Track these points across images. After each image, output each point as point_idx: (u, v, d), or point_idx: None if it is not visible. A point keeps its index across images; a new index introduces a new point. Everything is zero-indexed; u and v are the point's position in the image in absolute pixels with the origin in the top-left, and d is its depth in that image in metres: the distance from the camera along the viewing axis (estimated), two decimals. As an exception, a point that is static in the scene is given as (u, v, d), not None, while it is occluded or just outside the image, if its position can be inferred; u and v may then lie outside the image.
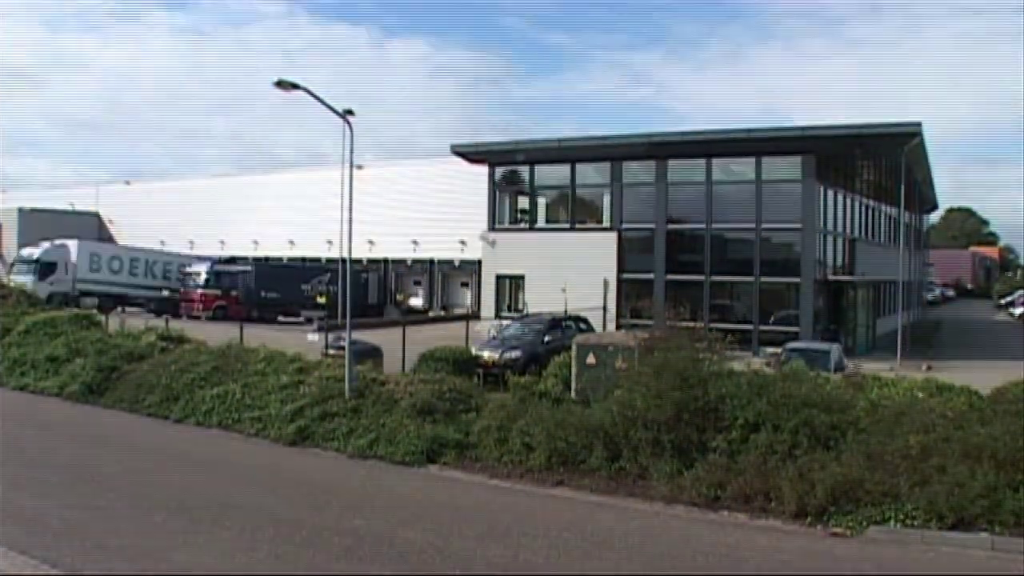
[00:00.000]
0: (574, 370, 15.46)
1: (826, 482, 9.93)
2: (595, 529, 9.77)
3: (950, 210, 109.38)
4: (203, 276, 40.94)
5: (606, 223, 31.80)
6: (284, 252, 53.44)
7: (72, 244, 41.46)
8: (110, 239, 61.18)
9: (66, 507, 10.08)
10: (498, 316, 30.79)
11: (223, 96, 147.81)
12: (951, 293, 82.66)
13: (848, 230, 33.28)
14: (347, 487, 11.58)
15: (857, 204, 34.47)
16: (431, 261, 48.60)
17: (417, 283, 50.48)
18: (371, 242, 46.66)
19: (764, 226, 28.94)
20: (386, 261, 49.67)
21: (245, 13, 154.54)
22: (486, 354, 20.69)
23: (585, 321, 24.42)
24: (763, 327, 28.28)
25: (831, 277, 30.54)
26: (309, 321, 34.14)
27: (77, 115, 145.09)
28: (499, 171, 34.15)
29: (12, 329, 21.51)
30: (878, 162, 35.37)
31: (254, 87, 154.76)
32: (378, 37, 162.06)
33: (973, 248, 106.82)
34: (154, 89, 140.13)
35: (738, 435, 11.15)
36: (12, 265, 41.89)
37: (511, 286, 32.87)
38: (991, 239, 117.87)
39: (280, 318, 40.58)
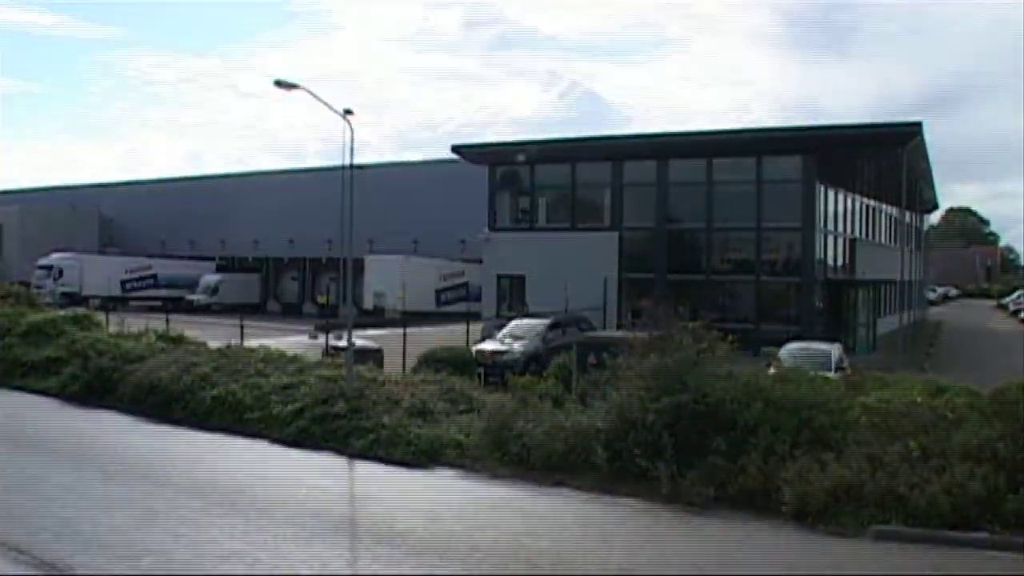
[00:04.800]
0: (574, 370, 15.46)
1: (826, 482, 9.92)
2: (596, 529, 9.78)
3: (950, 210, 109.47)
4: None
5: (607, 223, 31.80)
6: (284, 252, 53.45)
7: None
8: (111, 240, 61.36)
9: (67, 506, 10.07)
10: (499, 316, 30.79)
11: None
12: (953, 293, 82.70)
13: (848, 230, 33.29)
14: (348, 488, 11.59)
15: (857, 204, 34.48)
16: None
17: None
18: (371, 242, 46.59)
19: (764, 226, 28.95)
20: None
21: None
22: (487, 351, 20.71)
23: (586, 321, 24.43)
24: (764, 327, 28.27)
25: (831, 277, 30.55)
26: None
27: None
28: (499, 171, 34.15)
29: (12, 330, 21.49)
30: (878, 162, 35.38)
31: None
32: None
33: (974, 248, 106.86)
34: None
35: (738, 436, 11.14)
36: None
37: (512, 286, 32.87)
38: (991, 239, 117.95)
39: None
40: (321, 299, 51.45)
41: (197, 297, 50.44)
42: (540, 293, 29.97)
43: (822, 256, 29.74)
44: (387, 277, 41.45)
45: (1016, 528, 9.21)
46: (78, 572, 8.00)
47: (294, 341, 20.45)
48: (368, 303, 41.35)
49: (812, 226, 28.20)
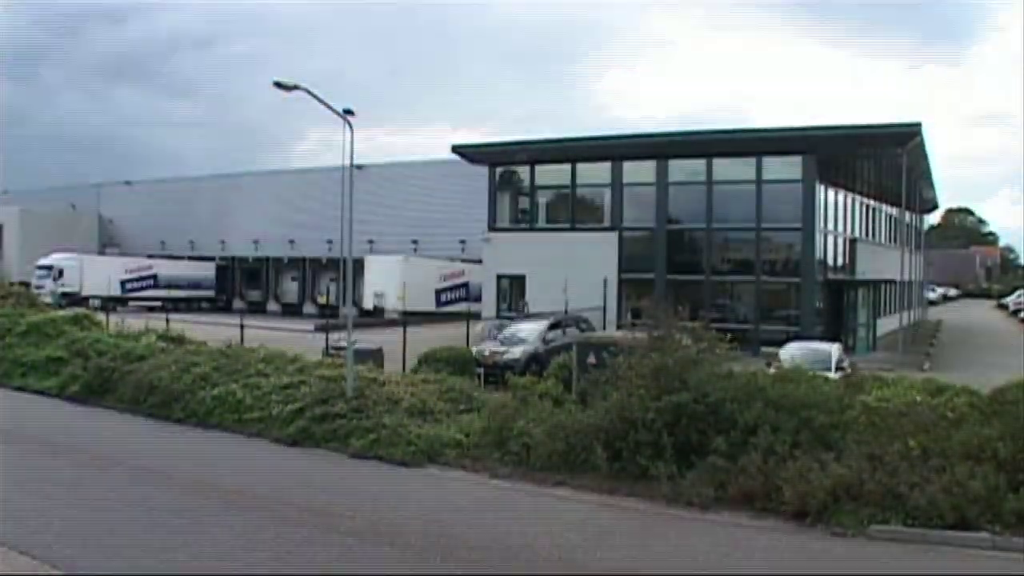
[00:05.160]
0: (574, 370, 15.46)
1: (826, 482, 9.92)
2: (596, 529, 9.78)
3: (950, 210, 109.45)
4: None
5: (606, 223, 31.81)
6: (284, 252, 53.46)
7: None
8: (111, 240, 61.36)
9: (68, 506, 10.08)
10: (499, 316, 30.80)
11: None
12: (952, 293, 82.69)
13: (848, 230, 33.29)
14: (348, 487, 11.59)
15: (857, 204, 34.47)
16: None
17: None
18: (371, 242, 46.63)
19: (764, 226, 28.96)
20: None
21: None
22: (487, 351, 20.71)
23: (586, 321, 24.43)
24: (763, 327, 28.29)
25: (831, 277, 30.55)
26: None
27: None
28: (499, 171, 34.17)
29: (12, 329, 21.51)
30: (878, 162, 35.38)
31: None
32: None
33: (974, 248, 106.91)
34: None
35: (738, 436, 11.14)
36: None
37: (512, 286, 32.88)
38: (991, 239, 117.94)
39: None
40: (321, 299, 51.49)
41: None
42: (540, 293, 29.97)
43: (822, 256, 29.73)
44: (387, 277, 41.43)
45: (1016, 528, 9.21)
46: (78, 572, 8.00)
47: (294, 338, 20.47)
48: (368, 303, 41.34)
49: (812, 226, 28.19)
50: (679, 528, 9.87)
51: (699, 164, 29.81)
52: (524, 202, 34.37)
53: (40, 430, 15.03)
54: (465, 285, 44.48)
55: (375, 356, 18.59)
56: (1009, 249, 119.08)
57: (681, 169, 30.32)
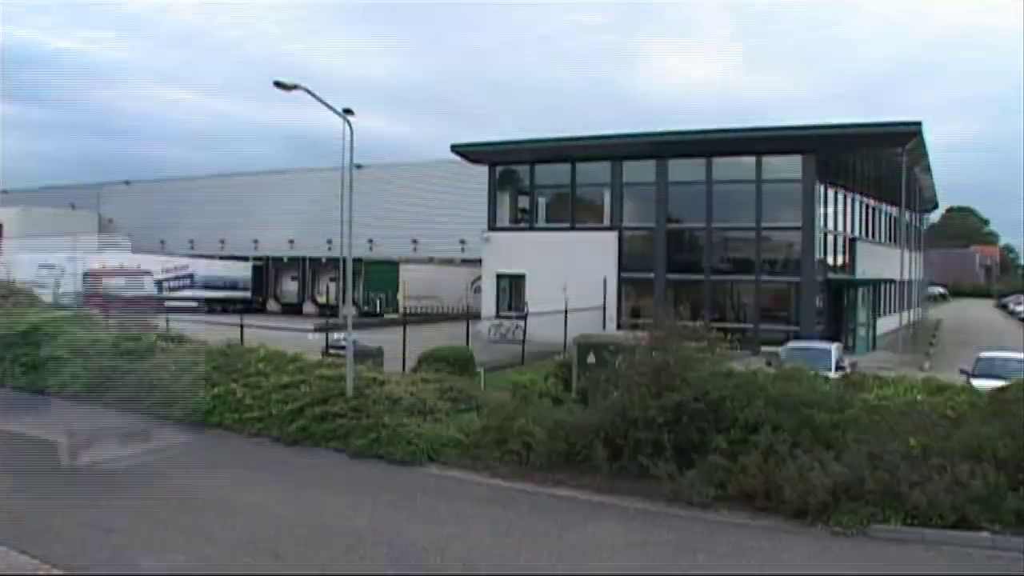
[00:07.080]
0: (574, 369, 15.47)
1: (827, 481, 9.93)
2: (596, 528, 9.78)
3: (950, 209, 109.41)
4: None
5: (606, 223, 31.83)
6: (284, 252, 53.44)
7: None
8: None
9: (66, 507, 10.07)
10: (498, 316, 30.81)
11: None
12: (952, 292, 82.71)
13: (848, 229, 33.30)
14: (348, 486, 11.59)
15: (857, 203, 34.49)
16: (430, 261, 48.72)
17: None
18: (371, 241, 46.63)
19: (764, 225, 28.97)
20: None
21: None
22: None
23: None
24: (763, 326, 28.31)
25: (831, 277, 30.56)
26: None
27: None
28: (499, 171, 34.18)
29: (12, 329, 21.47)
30: (878, 161, 35.41)
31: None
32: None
33: (974, 248, 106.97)
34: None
35: (738, 435, 11.14)
36: None
37: (511, 286, 32.89)
38: (991, 238, 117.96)
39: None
40: (321, 299, 51.44)
41: None
42: (540, 293, 29.98)
43: (822, 256, 29.76)
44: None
45: (1016, 527, 9.22)
46: (78, 572, 8.00)
47: (293, 338, 20.45)
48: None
49: (812, 226, 28.21)
50: (679, 528, 9.87)
51: (699, 164, 29.83)
52: (524, 201, 34.39)
53: (39, 431, 14.97)
54: None
55: (375, 356, 18.57)
56: (1009, 249, 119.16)
57: (681, 169, 30.33)
